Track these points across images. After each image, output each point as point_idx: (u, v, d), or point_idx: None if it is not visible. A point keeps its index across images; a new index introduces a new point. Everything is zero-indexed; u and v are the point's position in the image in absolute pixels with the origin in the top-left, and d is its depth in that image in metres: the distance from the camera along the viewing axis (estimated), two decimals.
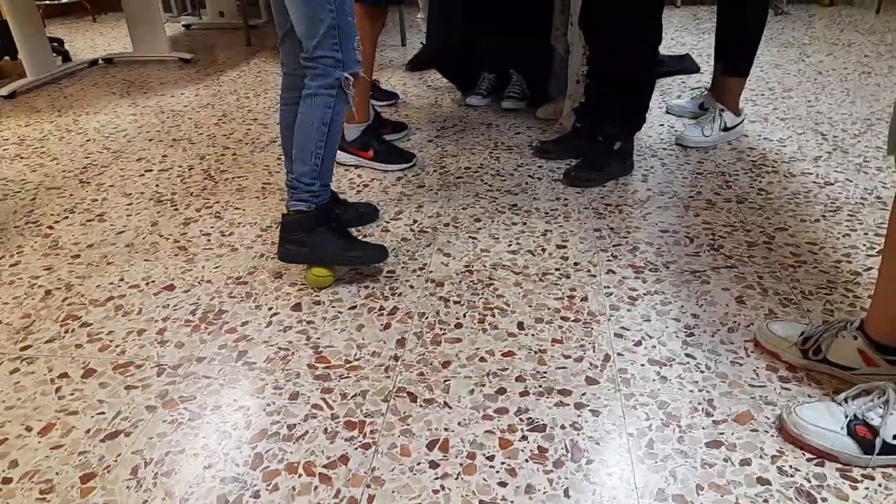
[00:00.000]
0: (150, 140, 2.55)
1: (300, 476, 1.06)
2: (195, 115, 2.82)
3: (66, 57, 3.77)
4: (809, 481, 1.03)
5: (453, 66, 2.82)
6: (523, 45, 2.60)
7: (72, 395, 1.26)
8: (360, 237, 1.79)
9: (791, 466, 1.05)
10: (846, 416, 1.05)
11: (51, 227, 1.90)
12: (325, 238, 1.54)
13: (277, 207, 1.96)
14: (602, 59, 2.03)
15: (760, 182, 2.02)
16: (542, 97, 2.69)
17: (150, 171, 2.27)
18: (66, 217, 1.96)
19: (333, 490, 1.04)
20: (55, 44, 3.79)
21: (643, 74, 1.98)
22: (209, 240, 1.81)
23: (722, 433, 1.12)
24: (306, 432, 1.15)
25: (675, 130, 2.45)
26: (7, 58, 3.60)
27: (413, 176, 2.17)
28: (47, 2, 4.75)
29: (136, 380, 1.29)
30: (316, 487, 1.04)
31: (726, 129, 2.28)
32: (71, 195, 2.10)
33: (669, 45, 3.61)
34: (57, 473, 1.08)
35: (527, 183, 2.08)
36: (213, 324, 1.45)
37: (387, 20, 2.21)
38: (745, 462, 1.06)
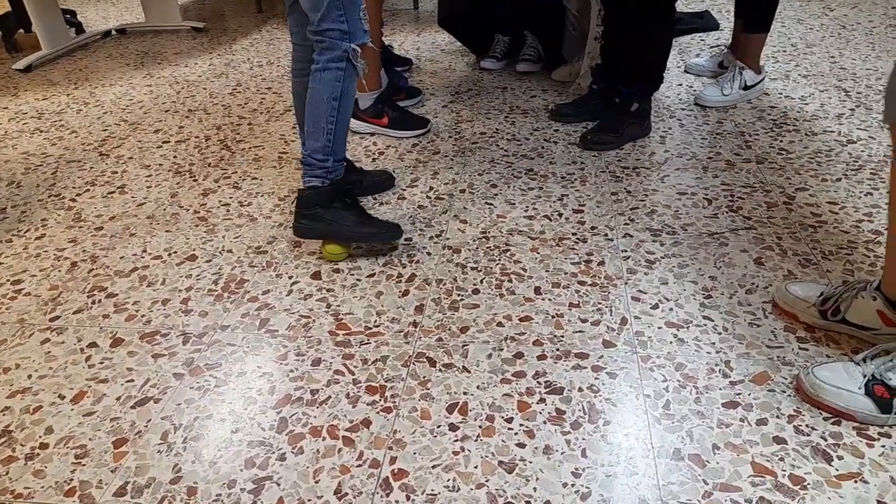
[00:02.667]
0: (167, 111, 2.56)
1: (324, 439, 1.09)
2: (209, 86, 2.81)
3: (80, 28, 3.76)
4: (826, 440, 1.04)
5: (467, 30, 2.77)
6: (537, 6, 2.55)
7: (101, 363, 1.29)
8: (377, 204, 1.80)
9: (808, 426, 1.06)
10: (864, 376, 1.05)
11: (73, 200, 1.93)
12: (339, 214, 1.54)
13: (294, 177, 1.97)
14: (617, 19, 1.98)
15: (781, 141, 1.99)
16: (557, 59, 2.64)
17: (168, 142, 2.29)
18: (88, 190, 1.99)
19: (357, 452, 1.07)
20: (68, 15, 3.77)
21: (659, 34, 1.94)
22: (228, 210, 1.83)
23: (739, 394, 1.13)
24: (329, 397, 1.18)
25: (694, 90, 2.40)
26: (21, 31, 3.60)
27: (428, 142, 2.16)
28: None
29: (163, 348, 1.33)
30: (340, 450, 1.07)
31: (746, 87, 2.24)
32: (91, 168, 2.13)
33: (689, 2, 3.51)
34: (90, 439, 1.12)
35: (543, 147, 2.07)
36: (236, 293, 1.48)
37: None
38: (762, 422, 1.08)
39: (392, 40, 3.21)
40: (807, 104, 2.23)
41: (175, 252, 1.65)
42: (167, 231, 1.74)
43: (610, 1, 1.99)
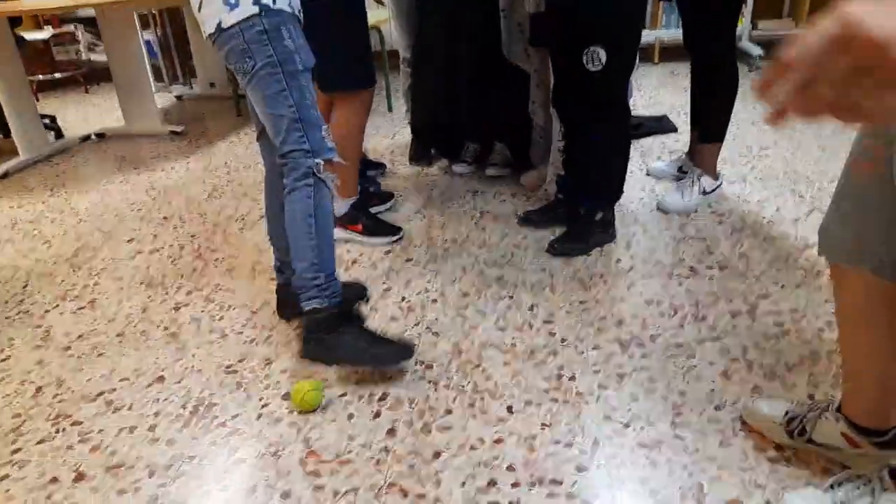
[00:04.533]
0: (142, 219, 2.59)
1: None
2: (186, 191, 2.86)
3: (59, 133, 3.83)
4: None
5: (438, 137, 2.88)
6: (504, 116, 2.67)
7: (63, 501, 1.25)
8: None
9: None
10: None
11: (42, 317, 1.91)
12: (346, 337, 1.52)
13: (267, 288, 1.98)
14: (575, 136, 2.10)
15: (741, 247, 2.06)
16: (525, 164, 2.75)
17: (141, 252, 2.30)
18: (58, 305, 1.97)
19: None
20: (47, 120, 3.85)
21: (615, 150, 2.04)
22: (199, 326, 1.82)
23: None
24: None
25: (656, 194, 2.51)
26: (0, 136, 3.66)
27: (401, 249, 2.20)
28: (40, 77, 4.85)
29: (128, 483, 1.29)
30: None
31: (705, 193, 2.34)
32: (63, 281, 2.12)
33: (647, 104, 3.71)
34: None
35: (513, 254, 2.12)
36: (205, 417, 1.45)
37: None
38: None
39: (366, 143, 3.32)
40: (764, 208, 2.33)
41: (144, 373, 1.63)
42: (136, 350, 1.72)
43: (568, 119, 2.11)
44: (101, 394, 1.56)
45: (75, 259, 2.27)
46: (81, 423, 1.46)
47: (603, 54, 1.86)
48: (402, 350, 1.54)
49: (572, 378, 1.51)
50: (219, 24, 1.34)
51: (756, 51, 4.18)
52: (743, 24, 4.34)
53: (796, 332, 1.63)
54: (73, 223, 2.59)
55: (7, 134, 3.58)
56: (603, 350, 1.61)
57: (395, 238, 2.25)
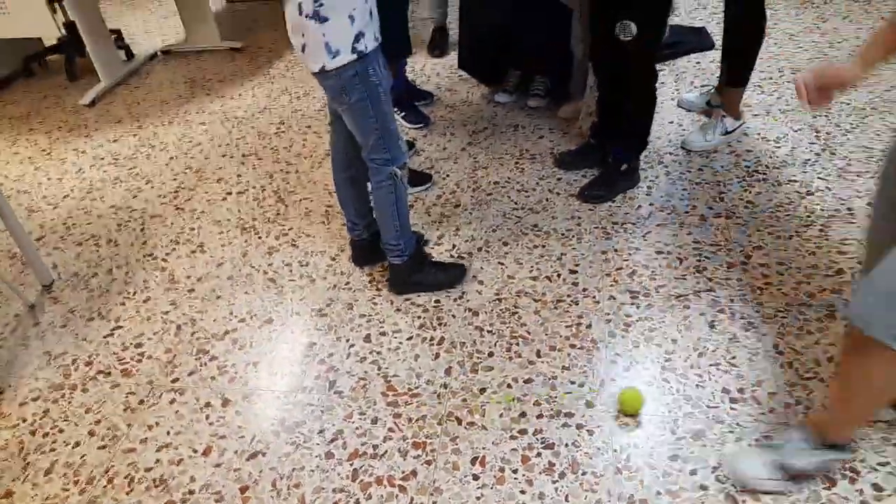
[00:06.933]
0: (223, 156, 2.96)
1: (385, 487, 1.57)
2: (256, 123, 3.19)
3: (129, 51, 4.11)
4: (736, 488, 1.48)
5: (482, 67, 3.08)
6: (546, 49, 2.85)
7: (217, 421, 1.78)
8: None
9: (725, 476, 1.50)
10: (774, 464, 1.44)
11: (164, 260, 2.38)
12: (421, 276, 2.08)
13: (341, 233, 2.38)
14: (607, 90, 2.32)
15: (750, 193, 2.33)
16: (564, 95, 2.96)
17: (230, 193, 2.71)
18: (174, 249, 2.43)
19: (408, 498, 1.54)
20: (114, 36, 4.12)
21: (642, 111, 2.27)
22: (291, 270, 2.26)
23: (680, 448, 1.57)
24: (385, 451, 1.65)
25: (683, 128, 2.72)
26: (80, 56, 3.97)
27: (450, 193, 2.54)
28: None
29: (260, 407, 1.80)
30: (396, 496, 1.55)
31: (727, 132, 2.55)
32: (172, 223, 2.57)
33: (685, 19, 3.72)
34: (223, 487, 1.61)
35: (547, 199, 2.44)
36: (308, 356, 1.94)
37: None
38: (693, 472, 1.52)
39: (414, 61, 3.52)
40: (779, 147, 2.54)
41: (255, 315, 2.10)
42: (245, 293, 2.19)
43: (601, 76, 2.32)
44: (226, 333, 2.05)
45: (176, 200, 2.70)
46: (217, 357, 1.97)
47: (633, 27, 2.04)
48: (461, 271, 2.11)
49: (589, 326, 1.92)
50: (322, 68, 1.64)
51: None
52: None
53: (779, 285, 1.96)
54: (166, 160, 2.99)
55: (83, 54, 3.88)
56: (616, 301, 1.99)
57: (425, 187, 2.57)
